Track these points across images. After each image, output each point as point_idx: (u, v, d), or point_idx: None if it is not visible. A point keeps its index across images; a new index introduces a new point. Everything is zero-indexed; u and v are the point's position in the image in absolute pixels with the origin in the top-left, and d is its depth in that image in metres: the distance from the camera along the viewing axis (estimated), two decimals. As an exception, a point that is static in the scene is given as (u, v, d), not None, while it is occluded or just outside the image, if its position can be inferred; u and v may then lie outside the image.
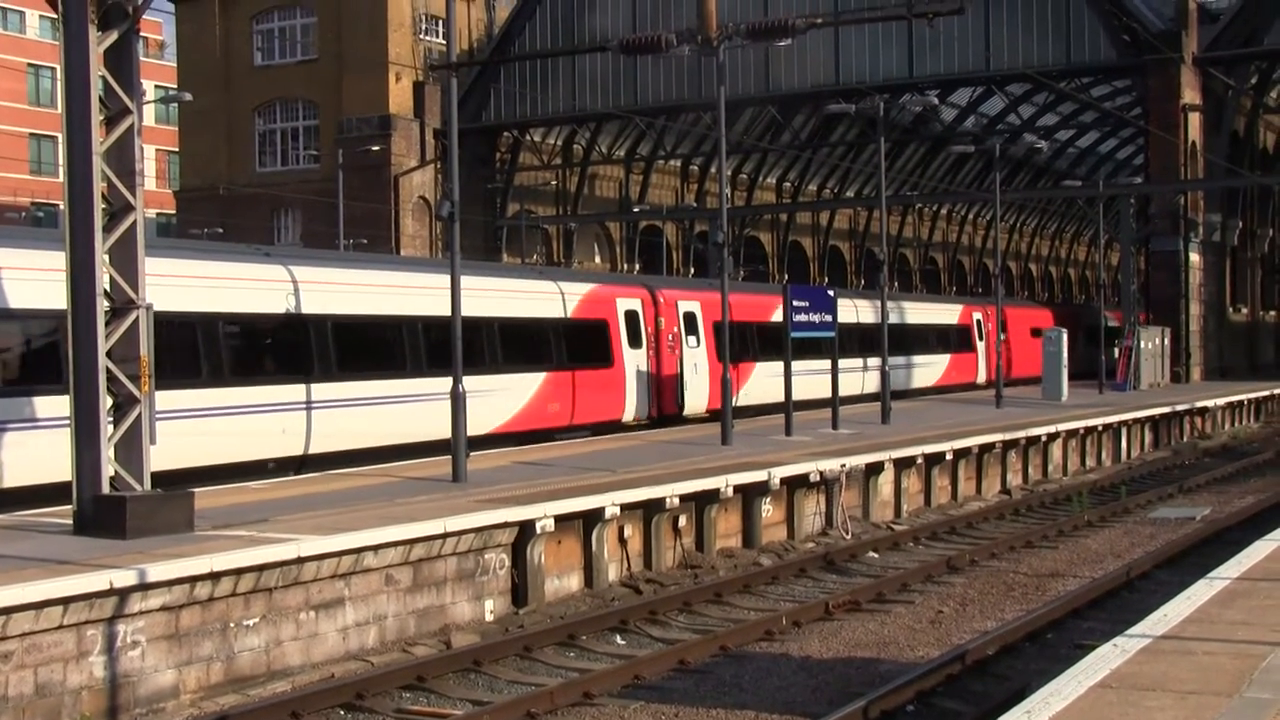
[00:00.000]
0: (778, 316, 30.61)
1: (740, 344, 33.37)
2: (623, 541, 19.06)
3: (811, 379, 32.86)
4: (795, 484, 22.26)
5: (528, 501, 17.46)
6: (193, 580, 13.11)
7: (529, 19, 62.85)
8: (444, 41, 58.68)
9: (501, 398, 26.04)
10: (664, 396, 31.71)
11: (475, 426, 23.22)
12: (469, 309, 22.55)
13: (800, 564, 20.07)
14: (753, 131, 68.68)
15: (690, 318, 33.11)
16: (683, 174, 73.80)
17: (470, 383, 21.69)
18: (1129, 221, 54.53)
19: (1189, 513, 25.51)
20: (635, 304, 31.38)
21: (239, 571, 13.51)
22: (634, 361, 30.71)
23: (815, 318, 29.36)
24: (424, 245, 60.30)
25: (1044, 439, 31.36)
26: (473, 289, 24.58)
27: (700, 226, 70.13)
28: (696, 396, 32.80)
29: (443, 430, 21.21)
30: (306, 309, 22.51)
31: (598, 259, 70.41)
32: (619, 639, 15.75)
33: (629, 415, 30.64)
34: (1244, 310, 66.17)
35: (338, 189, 55.14)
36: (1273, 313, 73.17)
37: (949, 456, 27.06)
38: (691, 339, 32.95)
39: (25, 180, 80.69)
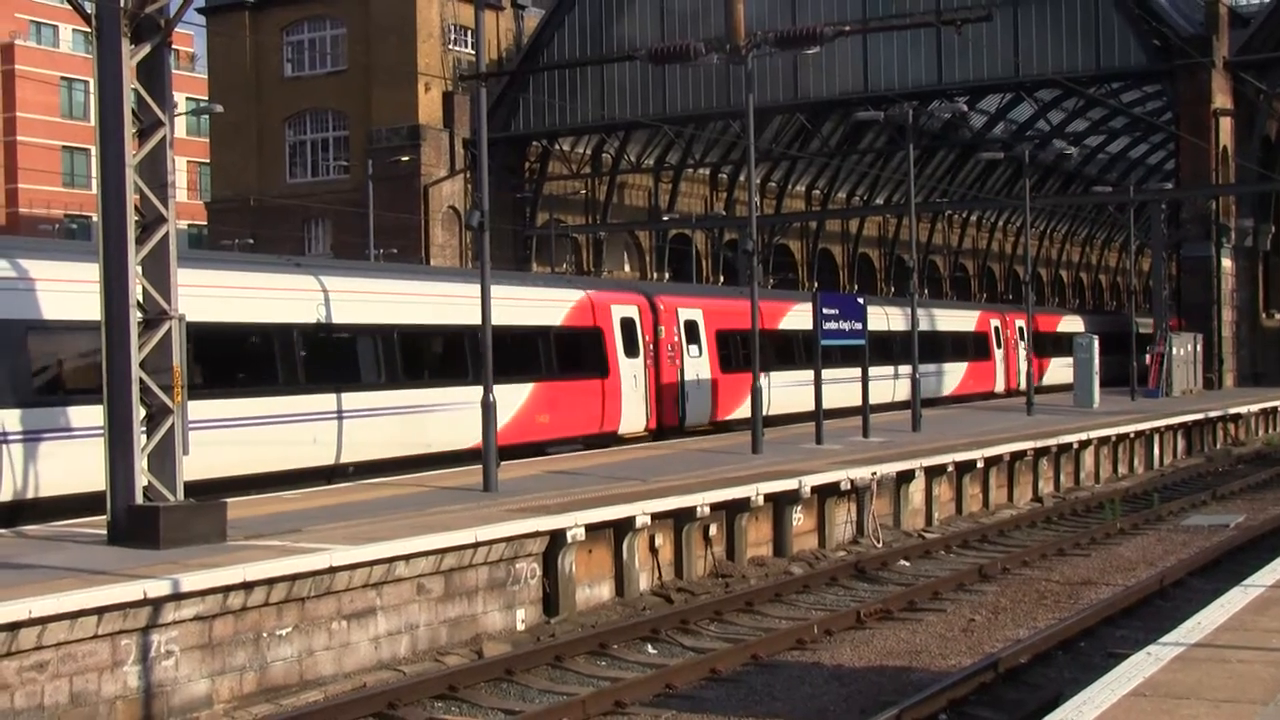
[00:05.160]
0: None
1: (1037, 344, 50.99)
2: (654, 550, 19.07)
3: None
4: (826, 492, 22.23)
5: (558, 511, 17.49)
6: (226, 590, 13.17)
7: (558, 29, 62.96)
8: (473, 52, 58.87)
9: (948, 377, 45.75)
10: (1012, 375, 50.97)
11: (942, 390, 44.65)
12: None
13: (831, 572, 20.03)
14: (781, 139, 68.68)
15: (999, 330, 51.02)
16: (712, 182, 73.82)
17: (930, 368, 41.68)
18: (1160, 227, 54.24)
19: (1223, 520, 25.36)
20: (1077, 323, 55.95)
21: (271, 581, 13.57)
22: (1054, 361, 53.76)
23: (845, 325, 29.39)
24: (454, 255, 60.46)
25: (1076, 446, 31.23)
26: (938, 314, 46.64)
27: (730, 234, 70.13)
28: (1005, 378, 51.03)
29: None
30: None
31: (627, 268, 70.48)
32: (650, 648, 15.75)
33: (999, 387, 49.93)
34: (1277, 316, 65.69)
35: (367, 199, 55.33)
36: (1306, 318, 72.60)
37: (980, 464, 26.97)
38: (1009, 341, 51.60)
39: (58, 192, 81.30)
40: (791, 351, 35.75)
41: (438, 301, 25.20)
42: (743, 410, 31.86)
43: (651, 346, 30.52)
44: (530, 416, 26.57)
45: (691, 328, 32.30)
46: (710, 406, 32.68)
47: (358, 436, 22.74)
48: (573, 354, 28.42)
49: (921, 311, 44.89)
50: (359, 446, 22.82)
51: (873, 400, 34.92)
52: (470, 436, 23.07)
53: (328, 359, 22.76)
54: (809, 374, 29.65)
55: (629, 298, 30.80)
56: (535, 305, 27.80)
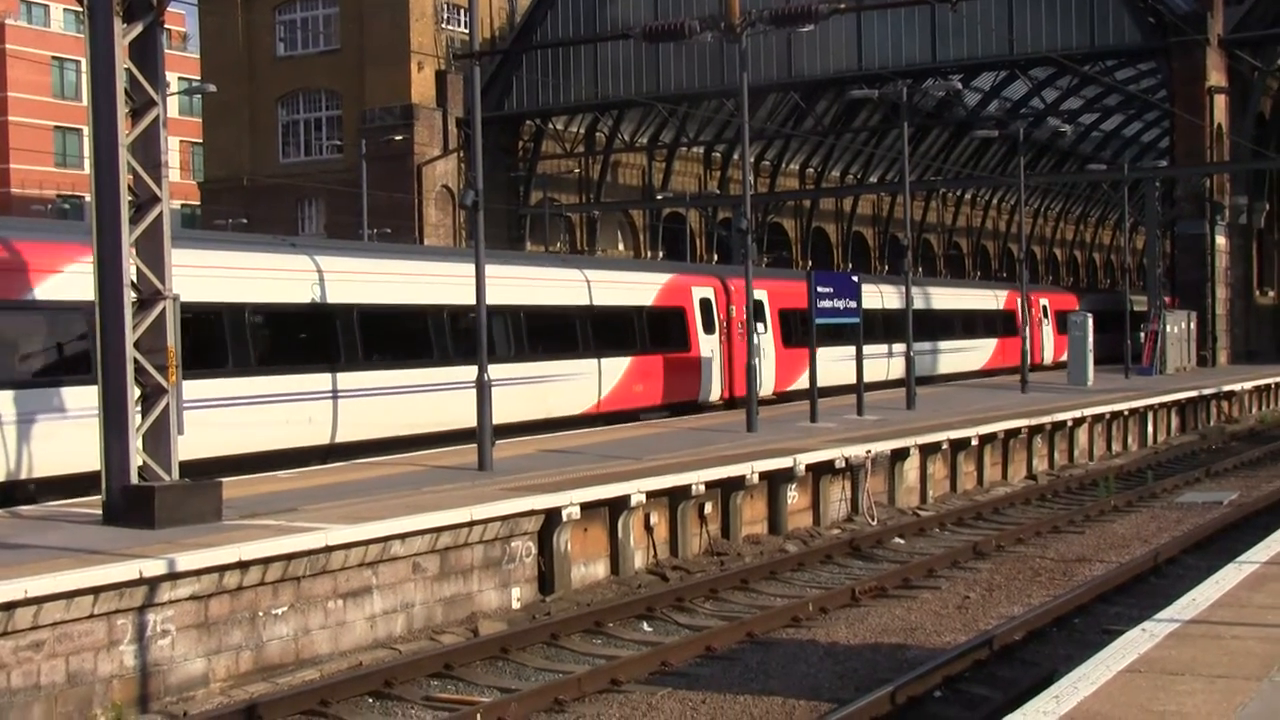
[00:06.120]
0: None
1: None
2: (649, 529, 19.10)
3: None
4: (821, 470, 22.26)
5: (554, 489, 17.51)
6: (221, 569, 13.18)
7: (551, 7, 62.72)
8: (466, 30, 58.69)
9: (981, 352, 49.24)
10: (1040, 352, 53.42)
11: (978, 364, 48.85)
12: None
13: (826, 550, 20.08)
14: (775, 118, 68.55)
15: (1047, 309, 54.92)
16: (705, 161, 73.69)
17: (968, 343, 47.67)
18: (1154, 205, 54.24)
19: (1216, 497, 25.41)
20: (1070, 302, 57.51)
21: (267, 561, 13.58)
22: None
23: (840, 304, 29.46)
24: (447, 234, 60.35)
25: (1070, 424, 31.28)
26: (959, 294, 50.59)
27: (723, 213, 70.03)
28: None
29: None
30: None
31: (621, 246, 70.41)
32: (646, 626, 15.78)
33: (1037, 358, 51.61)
34: (1271, 293, 65.79)
35: (361, 179, 55.21)
36: (1300, 295, 72.71)
37: (975, 442, 27.01)
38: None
39: (50, 173, 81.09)
40: (841, 329, 37.72)
41: (557, 285, 28.47)
42: (801, 382, 34.95)
43: (725, 324, 33.38)
44: (629, 386, 29.76)
45: (758, 307, 34.22)
46: (774, 378, 35.22)
47: (499, 403, 24.71)
48: (662, 331, 31.41)
49: (959, 291, 51.49)
50: (501, 411, 24.82)
51: (931, 372, 44.39)
52: (582, 403, 28.14)
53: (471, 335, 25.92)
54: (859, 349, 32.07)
55: (706, 280, 33.76)
56: (633, 287, 30.99)
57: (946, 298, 48.44)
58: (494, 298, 25.66)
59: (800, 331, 34.89)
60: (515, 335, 26.89)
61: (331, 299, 22.85)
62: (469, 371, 23.57)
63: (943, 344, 46.31)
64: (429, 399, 24.25)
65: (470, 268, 25.03)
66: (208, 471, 17.86)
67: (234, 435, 20.55)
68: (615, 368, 29.36)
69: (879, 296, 40.70)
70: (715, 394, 32.99)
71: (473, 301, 24.17)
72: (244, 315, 21.24)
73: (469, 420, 23.75)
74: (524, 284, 27.48)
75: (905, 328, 33.99)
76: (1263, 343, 60.05)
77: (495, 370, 24.92)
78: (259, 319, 21.70)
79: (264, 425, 21.14)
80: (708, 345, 32.69)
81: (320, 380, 22.21)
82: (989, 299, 51.97)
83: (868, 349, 33.68)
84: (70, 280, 18.05)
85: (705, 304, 32.87)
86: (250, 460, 20.74)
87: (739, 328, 33.51)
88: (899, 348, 40.22)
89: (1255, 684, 8.15)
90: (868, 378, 35.47)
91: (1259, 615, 10.00)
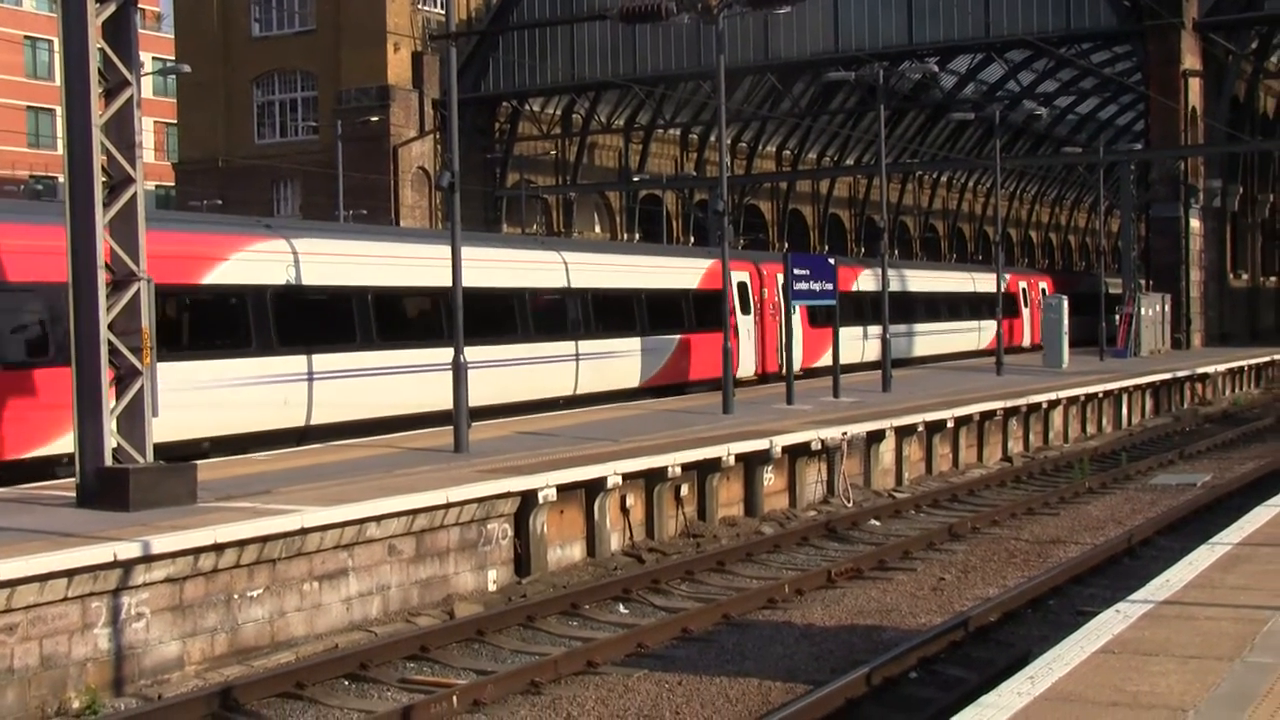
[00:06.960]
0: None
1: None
2: (625, 511, 19.10)
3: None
4: (797, 452, 22.29)
5: (530, 471, 17.49)
6: (196, 552, 13.14)
7: (527, -13, 62.60)
8: (442, 11, 58.41)
9: (987, 331, 49.31)
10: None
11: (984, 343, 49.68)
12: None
13: (802, 532, 20.11)
14: (752, 100, 68.51)
15: (1025, 291, 55.67)
16: (682, 143, 73.63)
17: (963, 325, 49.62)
18: (1129, 188, 54.41)
19: (1190, 479, 25.54)
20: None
21: (242, 543, 13.54)
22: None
23: (816, 286, 29.54)
24: (423, 216, 60.19)
25: (1045, 406, 31.37)
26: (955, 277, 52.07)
27: (700, 195, 70.04)
28: (1030, 333, 55.11)
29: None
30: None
31: (598, 229, 70.33)
32: (622, 608, 15.79)
33: (1026, 341, 54.22)
34: (1244, 276, 66.08)
35: (337, 160, 54.99)
36: (1273, 278, 73.03)
37: (950, 424, 27.07)
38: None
39: (24, 153, 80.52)
40: (862, 310, 40.16)
41: (618, 269, 31.33)
42: (826, 358, 36.16)
43: (759, 306, 35.60)
44: (677, 362, 32.33)
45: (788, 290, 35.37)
46: (801, 355, 36.21)
47: (571, 375, 28.64)
48: (705, 312, 33.20)
49: (968, 275, 53.71)
50: (574, 383, 28.65)
51: (953, 349, 48.09)
52: (639, 376, 30.82)
53: (555, 316, 28.96)
54: (875, 329, 33.01)
55: (742, 265, 35.78)
56: (680, 272, 33.65)
57: (958, 281, 51.49)
58: (570, 281, 29.39)
59: (825, 313, 36.44)
60: (585, 315, 29.64)
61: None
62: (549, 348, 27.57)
63: (953, 324, 49.48)
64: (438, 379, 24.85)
65: (496, 251, 28.09)
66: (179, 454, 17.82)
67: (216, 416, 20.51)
68: (666, 345, 31.97)
69: (904, 280, 44.02)
70: (750, 370, 34.94)
71: (529, 286, 27.91)
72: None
73: (485, 399, 25.26)
74: (592, 268, 30.23)
75: (931, 308, 34.76)
76: (1236, 325, 60.33)
77: (570, 347, 28.97)
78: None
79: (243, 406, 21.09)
80: (744, 325, 34.73)
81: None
82: (993, 281, 52.54)
83: (895, 328, 35.69)
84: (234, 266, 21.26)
85: (742, 287, 34.78)
86: (226, 442, 20.70)
87: (771, 309, 35.74)
88: (933, 325, 46.70)
89: (1228, 664, 8.20)
90: (867, 356, 37.73)
91: (1232, 596, 10.05)
